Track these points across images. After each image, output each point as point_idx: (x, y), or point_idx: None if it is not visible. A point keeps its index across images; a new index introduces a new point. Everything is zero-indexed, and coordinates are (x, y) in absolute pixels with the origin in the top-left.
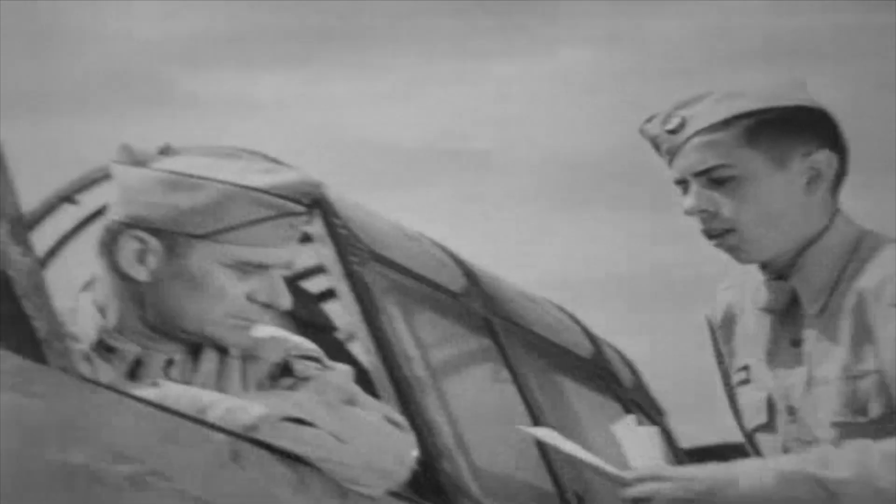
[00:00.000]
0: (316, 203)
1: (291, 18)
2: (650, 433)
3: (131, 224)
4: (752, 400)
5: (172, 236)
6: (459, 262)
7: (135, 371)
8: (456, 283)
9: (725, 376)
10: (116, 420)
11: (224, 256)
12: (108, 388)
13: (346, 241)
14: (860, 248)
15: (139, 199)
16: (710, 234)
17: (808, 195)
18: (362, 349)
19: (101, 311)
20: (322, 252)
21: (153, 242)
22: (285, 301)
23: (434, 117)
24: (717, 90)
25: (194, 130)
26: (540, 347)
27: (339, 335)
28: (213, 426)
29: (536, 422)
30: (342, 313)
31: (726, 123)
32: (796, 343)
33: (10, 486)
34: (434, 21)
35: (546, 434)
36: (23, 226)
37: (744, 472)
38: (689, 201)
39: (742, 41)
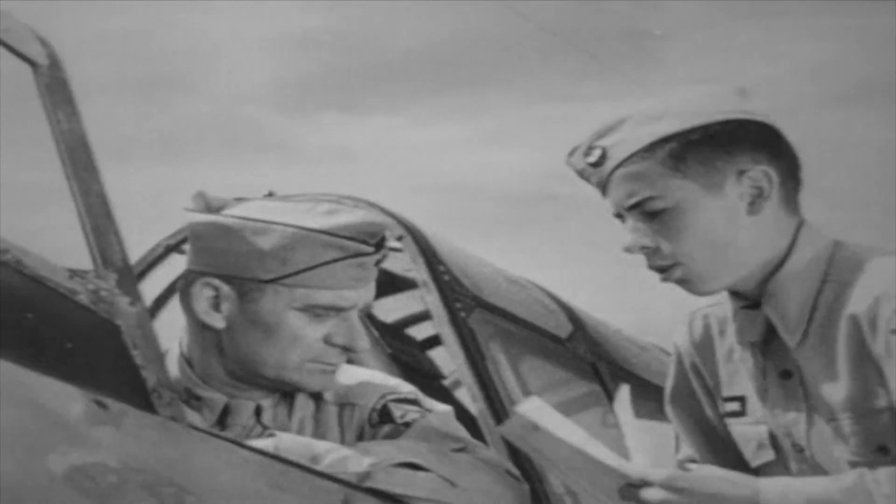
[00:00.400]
0: (421, 251)
1: (392, 63)
2: (663, 428)
3: (205, 272)
4: (751, 434)
5: (242, 282)
6: (564, 307)
7: (223, 419)
8: (561, 328)
9: (710, 401)
10: (228, 468)
11: (294, 300)
12: (219, 436)
13: (450, 287)
14: (834, 266)
15: (209, 247)
16: (657, 270)
17: (753, 216)
18: (469, 396)
19: (188, 360)
20: (427, 298)
21: (225, 289)
22: (363, 343)
23: (537, 160)
24: (637, 113)
25: (295, 177)
26: (647, 391)
27: (446, 382)
28: (324, 474)
29: None
30: (448, 360)
31: (650, 150)
32: (786, 375)
33: None
34: (536, 63)
35: (535, 409)
36: (131, 276)
37: (767, 490)
38: (627, 238)
39: (840, 81)
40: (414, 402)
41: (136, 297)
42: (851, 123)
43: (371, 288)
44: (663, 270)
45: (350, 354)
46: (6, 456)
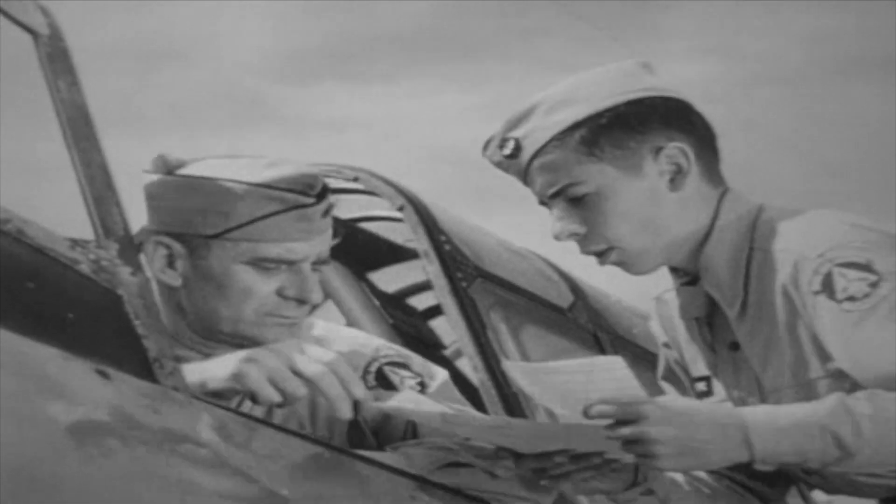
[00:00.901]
0: (422, 221)
1: (392, 33)
2: (619, 362)
3: (157, 231)
4: None
5: (191, 239)
6: (565, 277)
7: None
8: (563, 298)
9: (689, 381)
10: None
11: (241, 255)
12: (220, 406)
13: (451, 256)
14: (757, 233)
15: (160, 206)
16: (591, 255)
17: (675, 192)
18: (470, 366)
19: None
20: (428, 268)
21: (177, 247)
22: (316, 295)
23: None
24: (545, 99)
25: (295, 147)
26: (649, 361)
27: (447, 352)
28: (324, 443)
29: None
30: (449, 330)
31: (561, 138)
32: (734, 347)
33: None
34: (539, 34)
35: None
36: (132, 246)
37: (754, 417)
38: (554, 226)
39: (833, 51)
40: (404, 365)
41: (137, 267)
42: (850, 96)
43: (324, 240)
44: (598, 255)
45: (305, 307)
46: (7, 426)
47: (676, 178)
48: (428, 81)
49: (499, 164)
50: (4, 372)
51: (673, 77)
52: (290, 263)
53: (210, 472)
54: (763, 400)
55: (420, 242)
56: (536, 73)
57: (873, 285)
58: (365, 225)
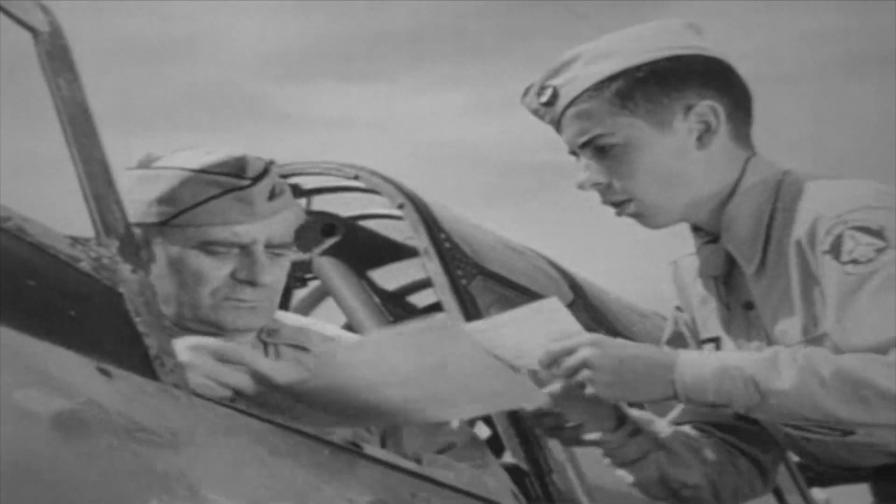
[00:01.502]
0: (422, 219)
1: (394, 32)
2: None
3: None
4: None
5: (147, 228)
6: (565, 275)
7: None
8: (563, 296)
9: (695, 343)
10: (229, 434)
11: (188, 240)
12: (222, 403)
13: (451, 254)
14: (782, 193)
15: (127, 199)
16: (610, 205)
17: (703, 150)
18: None
19: None
20: (428, 266)
21: (139, 237)
22: (266, 277)
23: (537, 128)
24: (589, 49)
25: (294, 145)
26: None
27: None
28: (325, 440)
29: None
30: None
31: (598, 89)
32: (749, 306)
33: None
34: (538, 33)
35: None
36: (133, 243)
37: (684, 358)
38: (579, 175)
39: (831, 48)
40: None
41: (138, 265)
42: (850, 90)
43: (274, 222)
44: (617, 205)
45: (264, 291)
46: (7, 423)
47: (704, 136)
48: (427, 80)
49: (535, 112)
50: (5, 370)
51: None
52: (242, 247)
53: (211, 468)
54: None
55: (420, 240)
56: (536, 71)
57: (879, 251)
58: (365, 223)
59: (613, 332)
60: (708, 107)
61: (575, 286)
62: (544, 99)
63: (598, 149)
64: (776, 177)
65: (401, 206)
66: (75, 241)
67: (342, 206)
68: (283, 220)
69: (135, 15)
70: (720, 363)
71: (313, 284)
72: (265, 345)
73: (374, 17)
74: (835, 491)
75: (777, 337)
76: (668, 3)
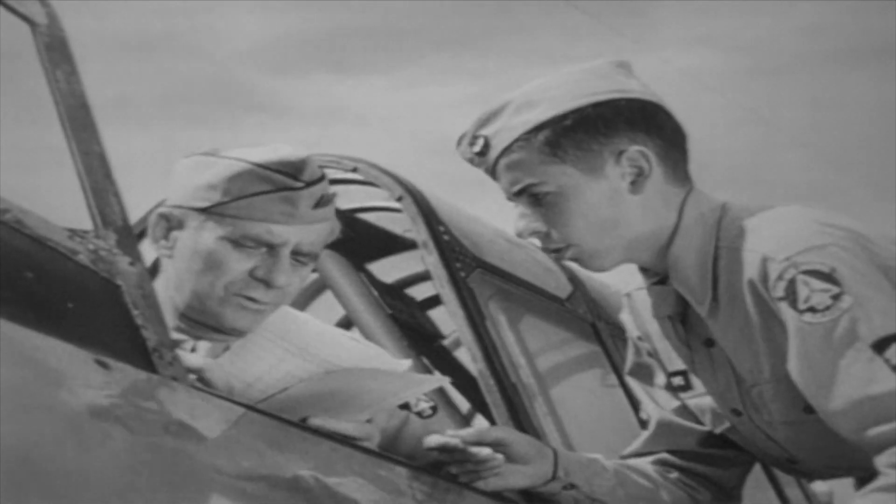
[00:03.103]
0: (421, 212)
1: (388, 23)
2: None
3: (165, 205)
4: (704, 405)
5: (186, 212)
6: (564, 268)
7: None
8: (561, 288)
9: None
10: (227, 427)
11: (226, 230)
12: (220, 395)
13: (449, 247)
14: (722, 231)
15: (174, 185)
16: (551, 252)
17: (636, 194)
18: (469, 356)
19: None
20: (427, 259)
21: (175, 219)
22: (283, 279)
23: None
24: (516, 97)
25: (293, 138)
26: None
27: (446, 342)
28: (323, 433)
29: (645, 426)
30: (448, 320)
31: (526, 139)
32: (710, 343)
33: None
34: (533, 23)
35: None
36: (131, 236)
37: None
38: (517, 224)
39: (831, 40)
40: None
41: (136, 257)
42: (849, 82)
43: (311, 230)
44: (556, 251)
45: (277, 294)
46: (7, 415)
47: (637, 180)
48: (422, 72)
49: (470, 161)
50: (3, 362)
51: (669, 66)
52: (270, 246)
53: (210, 462)
54: (742, 394)
55: (419, 233)
56: (531, 64)
57: (835, 297)
58: (364, 215)
59: (612, 323)
60: (638, 152)
61: (574, 279)
62: (477, 149)
63: (532, 196)
64: (714, 213)
65: (399, 199)
66: (73, 233)
67: (341, 198)
68: (318, 231)
69: (131, 9)
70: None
71: (312, 277)
72: None
73: (367, 10)
74: (834, 482)
75: (744, 375)
76: (669, 0)
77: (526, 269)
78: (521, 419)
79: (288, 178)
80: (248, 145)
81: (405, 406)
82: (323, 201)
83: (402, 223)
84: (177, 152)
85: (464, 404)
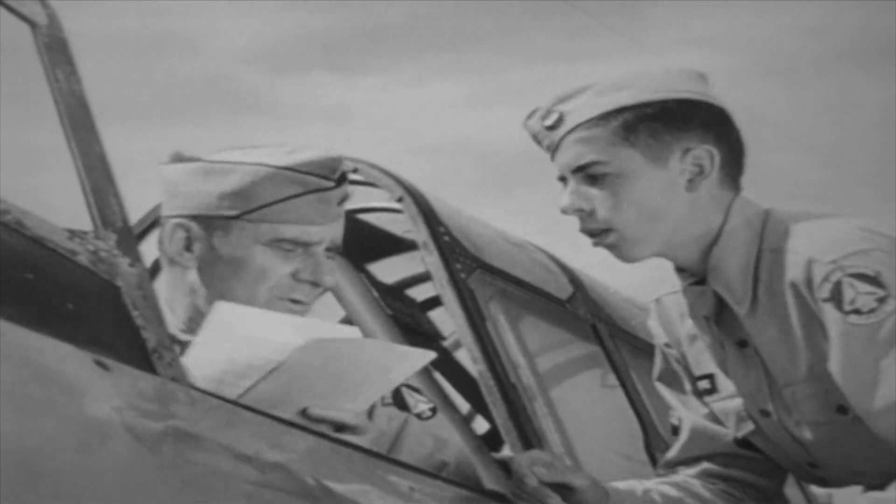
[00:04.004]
0: (421, 212)
1: (385, 23)
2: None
3: (176, 215)
4: (728, 409)
5: (211, 220)
6: (564, 269)
7: None
8: (562, 289)
9: (689, 378)
10: (227, 428)
11: (260, 235)
12: (219, 396)
13: (450, 248)
14: (766, 234)
15: (180, 191)
16: (589, 234)
17: (691, 192)
18: (469, 357)
19: (170, 307)
20: (427, 260)
21: (195, 229)
22: (329, 279)
23: None
24: (601, 81)
25: (289, 137)
26: (646, 352)
27: (446, 343)
28: (325, 435)
29: (644, 426)
30: (448, 321)
31: (605, 118)
32: (743, 344)
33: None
34: (530, 22)
35: None
36: (131, 237)
37: None
38: (564, 199)
39: (830, 41)
40: (419, 390)
41: (136, 258)
42: (849, 83)
43: (338, 226)
44: (595, 234)
45: (317, 291)
46: (6, 417)
47: (695, 178)
48: (422, 72)
49: (535, 135)
50: (3, 363)
51: (666, 64)
52: (307, 246)
53: (210, 463)
54: (773, 394)
55: (419, 233)
56: (530, 63)
57: (880, 300)
58: (364, 216)
59: (612, 324)
60: (705, 151)
61: (574, 280)
62: (549, 122)
63: (590, 176)
64: (759, 217)
65: (400, 200)
66: (73, 234)
67: None
68: (341, 226)
69: (131, 9)
70: None
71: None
72: None
73: (367, 10)
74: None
75: (778, 375)
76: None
77: (526, 270)
78: (521, 420)
79: (321, 178)
80: (246, 146)
81: (404, 407)
82: (346, 197)
83: (402, 224)
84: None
85: (464, 405)
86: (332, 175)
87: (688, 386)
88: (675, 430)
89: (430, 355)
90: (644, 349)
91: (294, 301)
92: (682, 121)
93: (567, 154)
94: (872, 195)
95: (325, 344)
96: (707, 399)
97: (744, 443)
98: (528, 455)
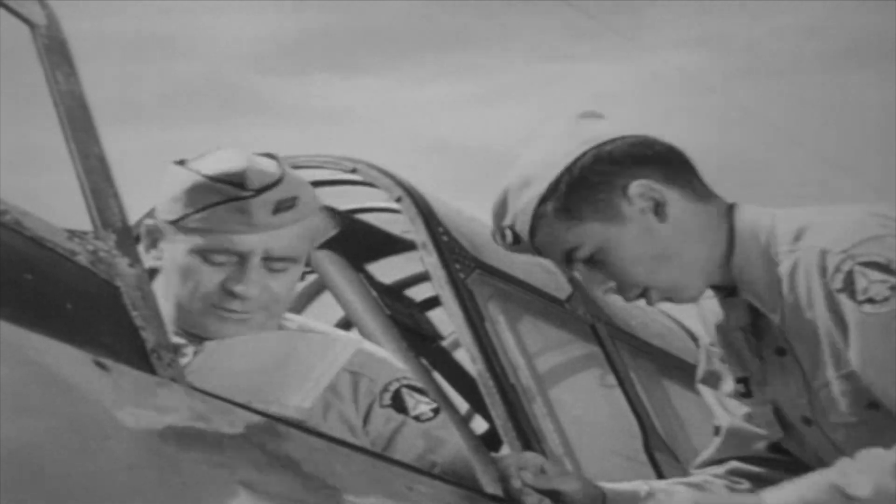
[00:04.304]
0: (420, 212)
1: (385, 23)
2: None
3: (152, 216)
4: (759, 414)
5: (164, 225)
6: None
7: None
8: (561, 289)
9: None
10: (227, 428)
11: (191, 243)
12: (218, 397)
13: (449, 248)
14: (778, 235)
15: (160, 196)
16: (638, 299)
17: (665, 222)
18: (468, 357)
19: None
20: (426, 260)
21: (157, 231)
22: (250, 290)
23: (533, 120)
24: (510, 182)
25: (290, 138)
26: (645, 352)
27: (445, 343)
28: (327, 437)
29: (643, 426)
30: (447, 321)
31: (540, 215)
32: (780, 352)
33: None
34: (530, 23)
35: None
36: (130, 237)
37: (767, 495)
38: (590, 290)
39: (829, 41)
40: (424, 392)
41: (135, 259)
42: (848, 83)
43: (277, 235)
44: (643, 297)
45: (249, 303)
46: (5, 417)
47: (658, 209)
48: (422, 72)
49: (515, 251)
50: (3, 363)
51: (667, 66)
52: (239, 256)
53: (208, 462)
54: (812, 400)
55: (418, 234)
56: (527, 62)
57: (893, 288)
58: (363, 216)
59: (612, 324)
60: (640, 186)
61: (573, 280)
62: (509, 241)
63: (581, 261)
64: (767, 221)
65: (398, 200)
66: (73, 234)
67: (340, 199)
68: (287, 235)
69: (131, 9)
70: (801, 495)
71: (311, 278)
72: (355, 375)
73: (364, 9)
74: None
75: (813, 377)
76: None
77: (525, 270)
78: (520, 420)
79: (235, 187)
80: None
81: (403, 410)
82: (283, 206)
83: (401, 224)
84: (176, 153)
85: (463, 405)
86: (245, 184)
87: (730, 385)
88: (717, 431)
89: (355, 343)
90: (644, 349)
91: (226, 310)
92: (596, 175)
93: (549, 256)
94: (871, 196)
95: (257, 340)
96: (742, 401)
97: (775, 445)
98: (519, 457)
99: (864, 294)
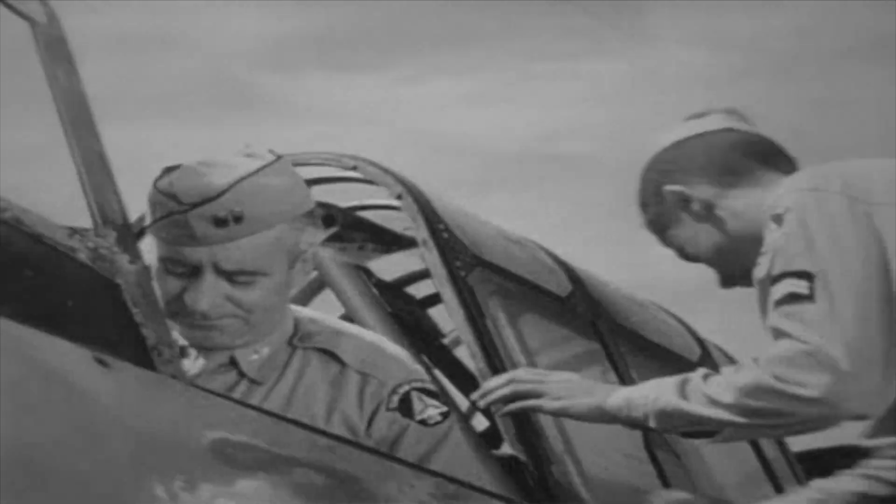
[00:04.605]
0: (420, 210)
1: (382, 21)
2: None
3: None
4: None
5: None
6: (564, 266)
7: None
8: (561, 286)
9: None
10: (227, 425)
11: (158, 252)
12: (218, 394)
13: (449, 245)
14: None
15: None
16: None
17: (705, 223)
18: (469, 354)
19: None
20: (427, 257)
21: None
22: (200, 304)
23: (530, 118)
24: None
25: (288, 135)
26: (647, 350)
27: (446, 341)
28: (327, 433)
29: None
30: (448, 318)
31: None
32: None
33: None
34: (527, 20)
35: None
36: (130, 234)
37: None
38: None
39: (834, 39)
40: (435, 394)
41: (135, 256)
42: (847, 83)
43: (233, 248)
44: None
45: (220, 312)
46: (5, 414)
47: (700, 211)
48: (419, 70)
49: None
50: (3, 360)
51: (666, 65)
52: (193, 267)
53: (209, 460)
54: None
55: (419, 231)
56: (526, 61)
57: None
58: (363, 213)
59: (612, 321)
60: (672, 192)
61: (574, 277)
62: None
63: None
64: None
65: (399, 197)
66: (73, 231)
67: (340, 196)
68: (238, 248)
69: (131, 8)
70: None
71: (311, 275)
72: (294, 348)
73: (362, 7)
74: None
75: None
76: None
77: (526, 267)
78: (521, 418)
79: (171, 201)
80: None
81: (409, 414)
82: (228, 218)
83: (401, 221)
84: (176, 151)
85: (464, 402)
86: (178, 199)
87: None
88: None
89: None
90: (644, 346)
91: (192, 318)
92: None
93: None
94: None
95: None
96: None
97: None
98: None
99: None
